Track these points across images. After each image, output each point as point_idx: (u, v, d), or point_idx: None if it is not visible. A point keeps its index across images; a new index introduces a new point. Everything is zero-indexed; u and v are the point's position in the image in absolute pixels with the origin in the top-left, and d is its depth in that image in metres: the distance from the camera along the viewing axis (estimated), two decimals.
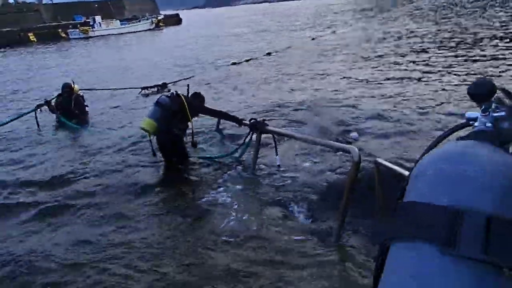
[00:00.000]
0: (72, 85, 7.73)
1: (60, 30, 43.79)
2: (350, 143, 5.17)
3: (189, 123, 5.06)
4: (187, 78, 11.83)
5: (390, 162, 2.79)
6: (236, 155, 5.23)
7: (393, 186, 3.07)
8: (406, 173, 2.65)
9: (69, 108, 7.60)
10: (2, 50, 33.26)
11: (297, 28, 24.91)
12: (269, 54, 15.72)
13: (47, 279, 3.12)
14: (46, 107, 7.79)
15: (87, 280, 3.07)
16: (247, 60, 14.37)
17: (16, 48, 33.96)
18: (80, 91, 8.09)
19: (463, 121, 0.87)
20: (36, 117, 7.73)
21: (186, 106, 4.85)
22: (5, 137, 7.38)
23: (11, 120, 7.74)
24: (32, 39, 40.73)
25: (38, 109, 7.80)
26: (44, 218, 4.15)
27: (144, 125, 4.88)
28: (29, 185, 5.08)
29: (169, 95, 4.98)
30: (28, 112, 7.93)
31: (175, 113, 4.85)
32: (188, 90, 5.36)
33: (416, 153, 4.90)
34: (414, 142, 5.28)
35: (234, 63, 13.81)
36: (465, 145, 0.68)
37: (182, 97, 4.92)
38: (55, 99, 7.87)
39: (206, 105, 5.35)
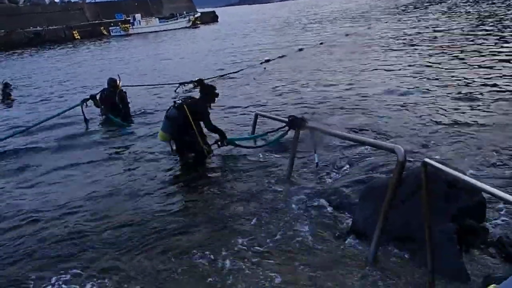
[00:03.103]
0: (118, 81, 7.98)
1: (102, 27, 45.40)
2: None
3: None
4: (221, 76, 12.00)
5: (439, 162, 2.60)
6: (264, 142, 5.52)
7: (442, 189, 2.95)
8: (458, 174, 2.43)
9: (114, 102, 7.85)
10: (52, 46, 34.87)
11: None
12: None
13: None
14: (91, 101, 8.11)
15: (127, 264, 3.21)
16: (280, 57, 14.61)
17: (63, 45, 35.54)
18: (122, 86, 8.33)
19: None
20: (82, 111, 8.09)
21: (190, 117, 5.11)
22: (54, 127, 7.90)
23: (60, 114, 8.12)
24: (76, 37, 42.47)
25: (84, 104, 8.14)
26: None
27: (159, 138, 5.52)
28: (67, 168, 5.65)
29: (176, 105, 5.23)
30: (75, 106, 8.29)
31: (183, 124, 5.16)
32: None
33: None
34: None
35: (267, 60, 14.02)
36: None
37: (186, 108, 5.11)
38: (99, 94, 8.16)
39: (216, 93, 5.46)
